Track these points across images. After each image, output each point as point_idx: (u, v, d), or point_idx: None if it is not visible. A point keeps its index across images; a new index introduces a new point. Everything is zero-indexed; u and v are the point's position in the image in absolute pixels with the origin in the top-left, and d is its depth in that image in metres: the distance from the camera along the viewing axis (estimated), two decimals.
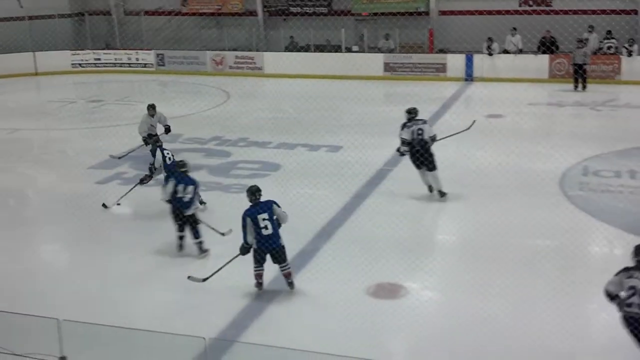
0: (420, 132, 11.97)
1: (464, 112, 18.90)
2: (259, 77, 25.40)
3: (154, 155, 12.02)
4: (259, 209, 8.58)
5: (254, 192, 8.72)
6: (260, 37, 27.04)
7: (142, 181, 12.15)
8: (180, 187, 10.01)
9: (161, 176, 11.78)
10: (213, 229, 10.27)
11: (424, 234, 11.04)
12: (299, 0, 26.76)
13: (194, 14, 27.87)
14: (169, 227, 10.23)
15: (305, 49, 26.20)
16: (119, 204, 12.22)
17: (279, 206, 8.72)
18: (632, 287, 6.56)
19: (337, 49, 25.62)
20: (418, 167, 12.19)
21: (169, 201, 10.14)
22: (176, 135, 16.78)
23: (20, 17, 26.84)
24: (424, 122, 12.23)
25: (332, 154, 15.11)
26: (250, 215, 8.54)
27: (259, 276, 8.74)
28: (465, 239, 10.54)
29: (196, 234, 10.04)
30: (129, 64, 27.31)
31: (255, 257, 8.65)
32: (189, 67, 26.59)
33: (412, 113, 12.18)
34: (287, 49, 26.41)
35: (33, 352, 5.84)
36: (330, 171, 13.72)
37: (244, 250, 8.61)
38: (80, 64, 27.29)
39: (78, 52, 27.37)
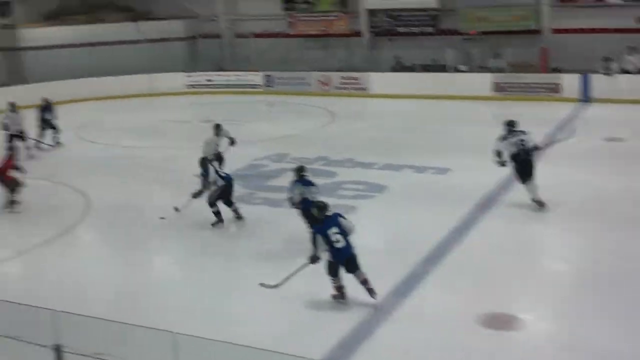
0: (522, 142, 12.00)
1: (581, 134, 17.93)
2: (364, 97, 25.45)
3: (206, 171, 12.38)
4: (328, 224, 8.97)
5: (321, 207, 9.20)
6: (365, 57, 27.12)
7: (195, 195, 12.57)
8: (306, 190, 10.97)
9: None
10: None
11: (539, 262, 10.63)
12: (405, 20, 26.69)
13: (300, 36, 28.33)
14: (274, 246, 10.35)
15: (411, 68, 26.10)
16: (163, 218, 12.82)
17: (344, 218, 9.14)
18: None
19: (443, 68, 25.38)
20: (524, 180, 12.03)
21: (298, 205, 11.02)
22: (282, 155, 17.13)
23: (138, 40, 28.06)
24: (524, 132, 12.19)
25: (439, 176, 14.85)
26: (320, 232, 8.95)
27: (339, 288, 9.04)
28: (585, 268, 10.10)
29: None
30: (238, 85, 28.00)
31: (330, 270, 9.02)
32: (295, 87, 26.99)
33: (511, 125, 12.24)
34: (393, 69, 26.39)
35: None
36: (437, 194, 13.58)
37: (314, 260, 8.99)
38: (193, 85, 28.19)
39: (191, 74, 28.29)
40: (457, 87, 23.75)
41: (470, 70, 25.09)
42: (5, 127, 17.72)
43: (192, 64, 29.07)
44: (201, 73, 28.30)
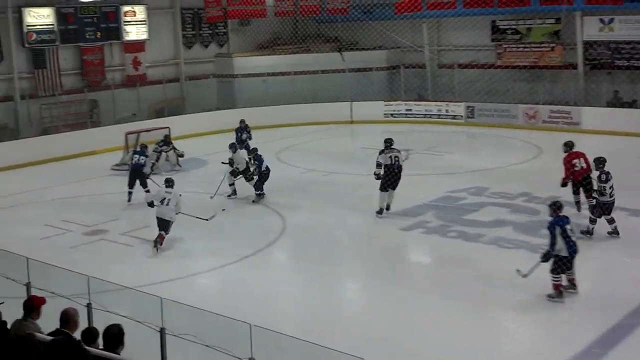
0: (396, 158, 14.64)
1: None
2: (576, 132, 23.99)
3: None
4: (565, 219, 9.87)
5: (559, 207, 10.12)
6: (578, 90, 25.86)
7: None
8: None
9: None
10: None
11: None
12: (625, 52, 25.10)
13: (508, 67, 27.62)
14: (465, 281, 10.09)
15: (630, 104, 24.53)
16: (223, 210, 14.81)
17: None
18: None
19: None
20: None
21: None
22: (482, 189, 16.70)
23: (341, 69, 28.93)
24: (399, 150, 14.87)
25: None
26: (560, 224, 9.74)
27: (560, 286, 9.80)
28: None
29: None
30: (438, 115, 27.87)
31: (560, 266, 9.77)
32: (498, 119, 26.36)
33: (387, 142, 14.91)
34: (610, 104, 24.93)
35: None
36: None
37: (546, 257, 9.83)
38: (392, 114, 28.49)
39: (391, 102, 28.62)
40: None
41: None
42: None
43: (392, 93, 29.43)
44: (401, 102, 28.54)
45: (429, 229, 13.76)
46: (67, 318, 6.55)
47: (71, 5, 24.93)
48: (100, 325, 6.73)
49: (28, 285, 8.21)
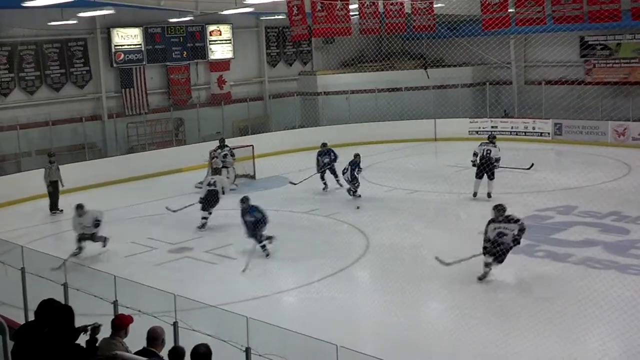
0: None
1: None
2: None
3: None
4: None
5: None
6: None
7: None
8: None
9: None
10: None
11: None
12: None
13: (597, 83, 26.84)
14: (556, 303, 9.78)
15: None
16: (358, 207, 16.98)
17: None
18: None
19: None
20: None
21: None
22: (570, 207, 16.28)
23: (426, 86, 28.70)
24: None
25: None
26: None
27: None
28: None
29: None
30: (524, 132, 27.29)
31: None
32: (587, 137, 25.61)
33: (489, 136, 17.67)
34: None
35: None
36: None
37: None
38: (477, 132, 28.01)
39: (476, 120, 28.16)
40: None
41: None
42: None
43: (477, 110, 28.97)
44: (486, 119, 28.06)
45: (516, 249, 13.36)
46: (154, 336, 6.64)
47: (158, 25, 25.64)
48: (185, 344, 6.79)
49: (115, 303, 8.37)
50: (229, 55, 27.83)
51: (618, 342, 9.42)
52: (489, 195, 17.55)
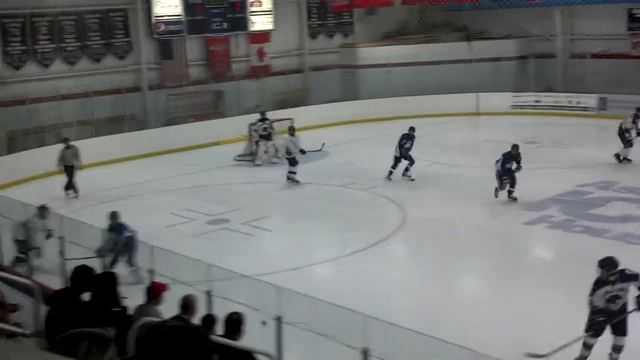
0: None
1: None
2: None
3: None
4: None
5: None
6: None
7: None
8: None
9: None
10: None
11: None
12: None
13: None
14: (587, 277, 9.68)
15: None
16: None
17: None
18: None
19: None
20: None
21: None
22: (611, 183, 16.06)
23: (468, 59, 28.35)
24: None
25: None
26: None
27: None
28: None
29: None
30: (569, 107, 26.80)
31: None
32: (631, 112, 25.02)
33: None
34: None
35: None
36: None
37: None
38: (520, 106, 27.65)
39: (519, 94, 27.76)
40: None
41: None
42: (288, 151, 17.87)
43: (520, 84, 28.53)
44: (529, 93, 27.63)
45: (553, 224, 13.36)
46: (187, 304, 6.80)
47: None
48: (218, 313, 6.95)
49: (151, 272, 8.56)
50: (269, 26, 27.74)
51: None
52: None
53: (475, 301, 10.56)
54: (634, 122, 17.91)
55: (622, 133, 17.86)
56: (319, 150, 18.45)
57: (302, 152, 17.79)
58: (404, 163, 17.57)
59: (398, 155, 17.55)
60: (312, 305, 7.77)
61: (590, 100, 26.28)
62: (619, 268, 8.32)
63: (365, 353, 6.59)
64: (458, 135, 24.00)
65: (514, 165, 15.05)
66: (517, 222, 13.68)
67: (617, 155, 17.79)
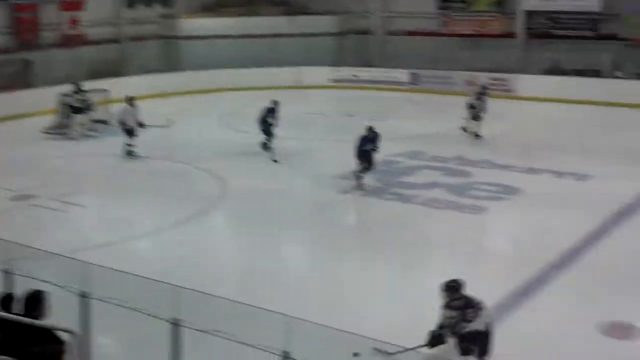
0: None
1: None
2: (512, 99, 24.65)
3: None
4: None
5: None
6: (517, 59, 26.25)
7: None
8: None
9: None
10: None
11: None
12: (563, 22, 25.63)
13: (452, 35, 27.88)
14: (402, 241, 10.28)
15: (566, 72, 25.04)
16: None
17: None
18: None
19: (597, 73, 24.27)
20: None
21: None
22: (420, 153, 16.97)
23: (290, 34, 28.69)
24: None
25: (578, 182, 14.42)
26: None
27: None
28: None
29: None
30: (384, 81, 27.93)
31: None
32: (441, 86, 26.60)
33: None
34: (546, 72, 25.43)
35: (257, 343, 6.06)
36: (573, 200, 13.16)
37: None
38: (338, 80, 28.44)
39: (339, 68, 28.53)
40: (611, 93, 22.67)
41: (627, 78, 23.84)
42: (122, 122, 17.18)
43: (340, 59, 29.33)
44: (348, 68, 28.50)
45: (367, 192, 13.93)
46: None
47: None
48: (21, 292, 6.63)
49: None
50: None
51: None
52: None
53: (294, 269, 10.82)
54: (478, 98, 18.71)
55: (470, 108, 18.62)
56: (163, 126, 17.79)
57: (141, 125, 17.09)
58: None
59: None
60: (123, 279, 7.63)
61: (403, 75, 27.54)
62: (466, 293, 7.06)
63: (175, 324, 6.58)
64: (280, 108, 24.22)
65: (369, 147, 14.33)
66: (333, 191, 14.13)
67: (464, 129, 18.63)
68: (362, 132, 14.32)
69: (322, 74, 28.19)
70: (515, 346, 7.73)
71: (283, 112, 17.79)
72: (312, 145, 18.16)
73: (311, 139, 19.05)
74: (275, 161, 16.51)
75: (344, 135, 18.35)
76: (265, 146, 17.06)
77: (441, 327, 6.92)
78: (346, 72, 28.53)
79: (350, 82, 28.31)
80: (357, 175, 14.19)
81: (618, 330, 7.99)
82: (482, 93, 18.92)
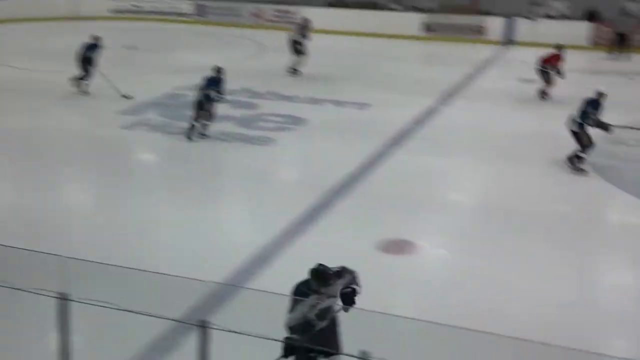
0: None
1: (497, 75, 19.44)
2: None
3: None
4: None
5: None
6: None
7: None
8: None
9: None
10: None
11: (441, 194, 10.76)
12: None
13: None
14: (191, 175, 10.28)
15: (348, 5, 25.95)
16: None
17: None
18: None
19: (374, 6, 25.42)
20: None
21: None
22: None
23: None
24: None
25: (359, 111, 15.13)
26: None
27: None
28: (483, 202, 10.45)
29: None
30: (168, 12, 27.26)
31: None
32: (227, 18, 26.50)
33: None
34: (329, 4, 26.15)
35: (32, 287, 5.80)
36: (354, 128, 13.79)
37: None
38: (119, 11, 27.31)
39: None
40: (388, 25, 23.85)
41: (402, 10, 25.19)
42: None
43: None
44: None
45: (152, 127, 13.67)
46: None
47: None
48: None
49: None
50: None
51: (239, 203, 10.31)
52: None
53: (77, 206, 10.40)
54: (301, 33, 18.58)
55: (293, 44, 18.45)
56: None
57: None
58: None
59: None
60: None
61: (188, 6, 27.01)
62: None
63: None
64: (56, 40, 22.89)
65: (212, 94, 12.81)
66: (115, 127, 13.68)
67: (292, 70, 18.49)
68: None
69: (100, 3, 26.88)
70: (301, 268, 8.10)
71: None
72: (90, 80, 17.32)
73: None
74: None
75: (124, 69, 17.86)
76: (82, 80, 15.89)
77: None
78: (126, 2, 27.44)
79: (132, 12, 27.28)
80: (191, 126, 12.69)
81: (394, 247, 8.58)
82: (304, 27, 18.95)
